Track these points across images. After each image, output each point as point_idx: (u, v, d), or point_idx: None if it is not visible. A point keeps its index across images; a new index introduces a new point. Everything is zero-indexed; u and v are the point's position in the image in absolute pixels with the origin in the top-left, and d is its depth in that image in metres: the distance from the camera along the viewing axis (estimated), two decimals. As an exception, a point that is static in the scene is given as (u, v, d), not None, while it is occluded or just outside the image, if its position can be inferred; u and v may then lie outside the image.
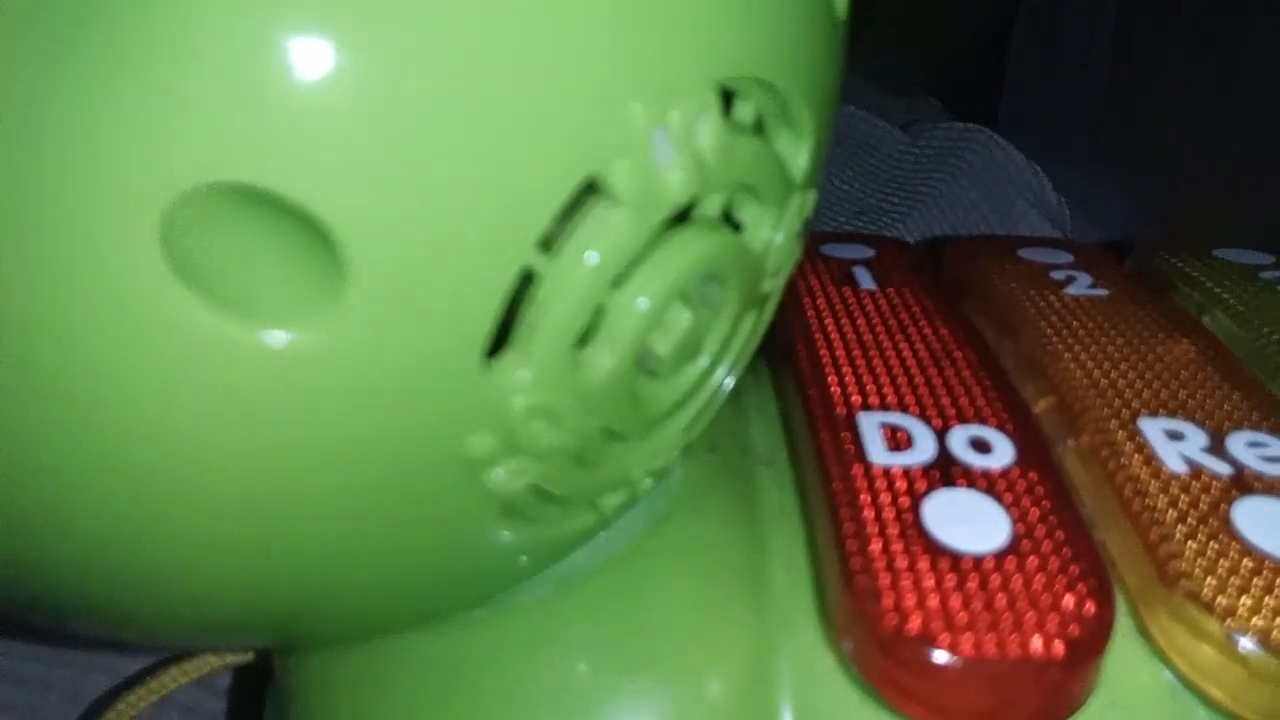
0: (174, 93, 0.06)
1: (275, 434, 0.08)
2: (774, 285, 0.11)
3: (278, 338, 0.07)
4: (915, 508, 0.11)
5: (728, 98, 0.09)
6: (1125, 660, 0.11)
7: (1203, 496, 0.11)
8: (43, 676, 0.19)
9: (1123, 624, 0.11)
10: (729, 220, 0.10)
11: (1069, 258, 0.17)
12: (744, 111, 0.09)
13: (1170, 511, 0.11)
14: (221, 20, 0.06)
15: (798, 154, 0.10)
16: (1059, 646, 0.10)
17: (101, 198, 0.07)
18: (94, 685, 0.19)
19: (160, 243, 0.07)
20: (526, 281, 0.08)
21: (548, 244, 0.08)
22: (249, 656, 0.15)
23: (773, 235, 0.10)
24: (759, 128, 0.10)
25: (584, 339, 0.09)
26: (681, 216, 0.09)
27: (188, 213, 0.07)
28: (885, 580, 0.10)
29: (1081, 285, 0.16)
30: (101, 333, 0.07)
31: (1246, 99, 0.26)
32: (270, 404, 0.08)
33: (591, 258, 0.08)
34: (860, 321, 0.15)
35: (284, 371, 0.07)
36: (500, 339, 0.08)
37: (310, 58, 0.07)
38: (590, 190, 0.08)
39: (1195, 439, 0.12)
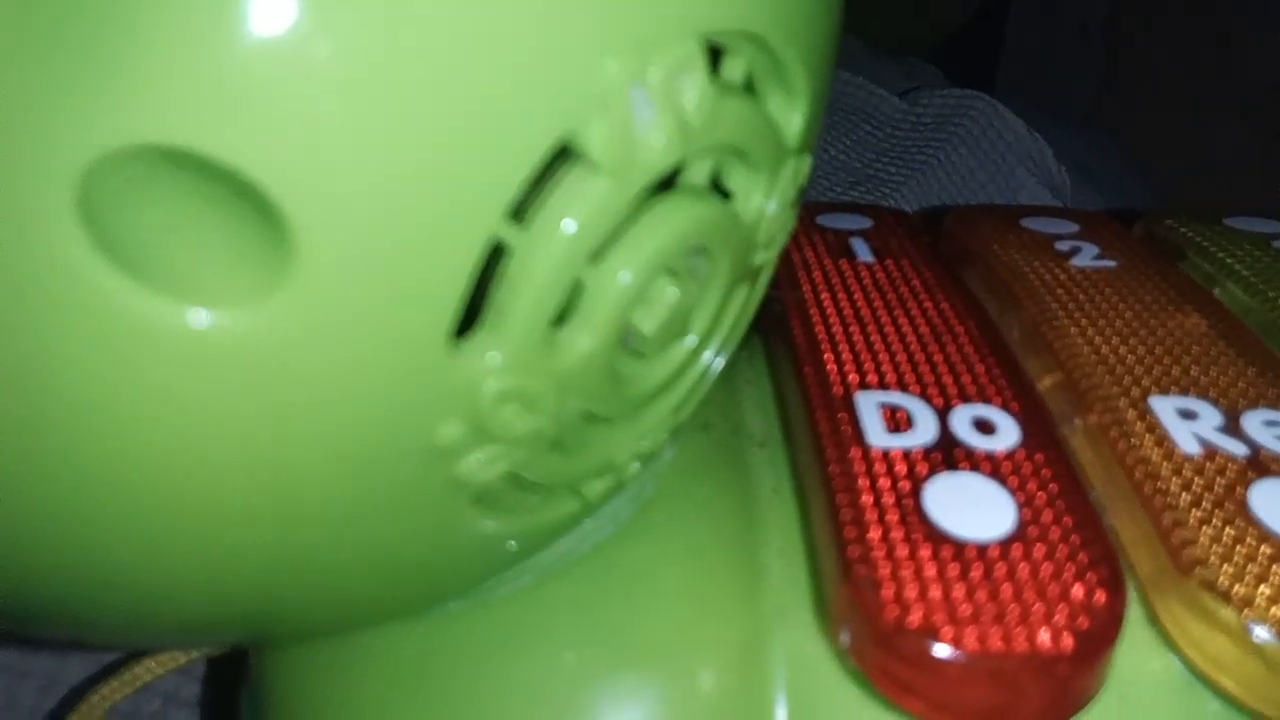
0: (98, 43, 0.06)
1: (219, 424, 0.07)
2: (767, 258, 0.11)
3: (214, 320, 0.07)
4: (916, 492, 0.11)
5: (715, 54, 0.08)
6: (1135, 651, 0.10)
7: (1217, 479, 0.11)
8: (19, 664, 0.18)
9: (1132, 612, 0.10)
10: (717, 188, 0.10)
11: (1074, 227, 0.17)
12: (733, 69, 0.09)
13: (1184, 495, 0.11)
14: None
15: (791, 116, 0.10)
16: (1068, 640, 0.09)
17: (9, 156, 0.06)
18: (72, 672, 0.18)
19: (78, 210, 0.06)
20: (496, 255, 0.08)
21: (519, 214, 0.08)
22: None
23: (765, 204, 0.10)
24: (749, 87, 0.09)
25: (560, 317, 0.08)
26: (666, 184, 0.08)
27: (110, 179, 0.06)
28: (885, 569, 0.10)
29: (1088, 256, 0.16)
30: (17, 309, 0.06)
31: (1245, 62, 0.25)
32: (210, 392, 0.07)
33: (567, 227, 0.08)
34: (858, 295, 0.14)
35: (224, 357, 0.07)
36: (468, 318, 0.08)
37: (252, 7, 0.06)
38: (565, 155, 0.08)
39: (1209, 418, 0.12)
